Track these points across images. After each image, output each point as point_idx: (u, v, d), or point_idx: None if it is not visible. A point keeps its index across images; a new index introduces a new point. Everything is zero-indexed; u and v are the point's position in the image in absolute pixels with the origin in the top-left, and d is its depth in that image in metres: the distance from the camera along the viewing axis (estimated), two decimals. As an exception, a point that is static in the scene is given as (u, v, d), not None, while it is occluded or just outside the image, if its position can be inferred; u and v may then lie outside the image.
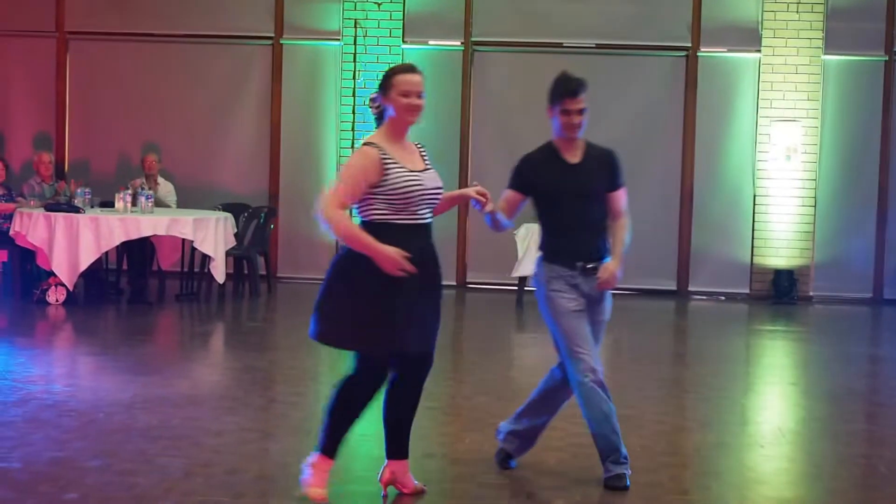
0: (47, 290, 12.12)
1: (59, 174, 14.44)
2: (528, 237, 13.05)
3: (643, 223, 14.46)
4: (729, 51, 14.61)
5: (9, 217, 12.55)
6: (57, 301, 12.07)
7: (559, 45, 14.69)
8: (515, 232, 13.19)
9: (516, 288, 13.32)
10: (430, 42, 14.78)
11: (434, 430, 7.26)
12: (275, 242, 14.66)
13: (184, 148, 15.01)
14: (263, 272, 13.80)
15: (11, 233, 12.25)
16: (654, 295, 14.45)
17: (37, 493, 5.69)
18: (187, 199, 14.04)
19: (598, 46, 14.66)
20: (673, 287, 14.66)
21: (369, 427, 6.29)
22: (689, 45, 14.58)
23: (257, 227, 13.50)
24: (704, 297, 14.47)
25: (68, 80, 15.25)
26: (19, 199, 13.12)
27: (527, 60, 14.82)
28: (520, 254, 13.07)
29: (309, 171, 14.83)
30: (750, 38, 14.52)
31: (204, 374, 9.27)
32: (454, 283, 14.67)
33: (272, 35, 14.97)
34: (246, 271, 13.50)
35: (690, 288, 14.65)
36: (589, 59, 14.65)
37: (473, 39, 14.75)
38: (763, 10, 14.41)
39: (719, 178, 14.65)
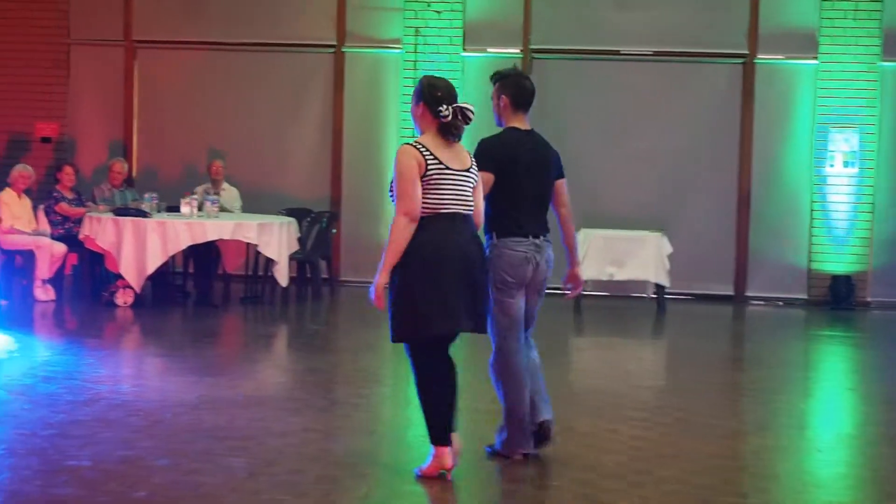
0: (115, 292, 12.21)
1: (129, 180, 14.57)
2: (586, 242, 13.00)
3: (700, 228, 14.47)
4: (786, 58, 14.48)
5: (79, 221, 12.68)
6: (125, 303, 12.17)
7: (616, 52, 14.63)
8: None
9: (574, 292, 13.25)
10: (489, 50, 14.76)
11: (493, 433, 7.24)
12: (337, 247, 14.69)
13: (248, 154, 15.10)
14: (326, 276, 13.84)
15: (81, 236, 12.37)
16: (712, 300, 14.34)
17: (106, 491, 5.73)
18: (251, 205, 14.11)
19: (656, 54, 14.58)
20: (730, 292, 14.54)
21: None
22: (747, 52, 14.46)
23: (320, 231, 13.56)
24: (762, 303, 14.34)
25: (136, 87, 15.39)
26: (89, 203, 13.25)
27: (584, 68, 14.78)
28: (578, 258, 13.00)
29: (370, 177, 14.85)
30: (807, 45, 14.38)
31: (268, 376, 9.31)
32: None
33: (334, 43, 15.02)
34: (308, 275, 13.56)
35: (748, 293, 14.53)
36: (646, 66, 14.60)
37: (532, 47, 14.72)
38: (821, 18, 14.27)
39: (776, 183, 14.53)
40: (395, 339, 5.98)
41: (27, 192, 13.02)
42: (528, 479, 6.25)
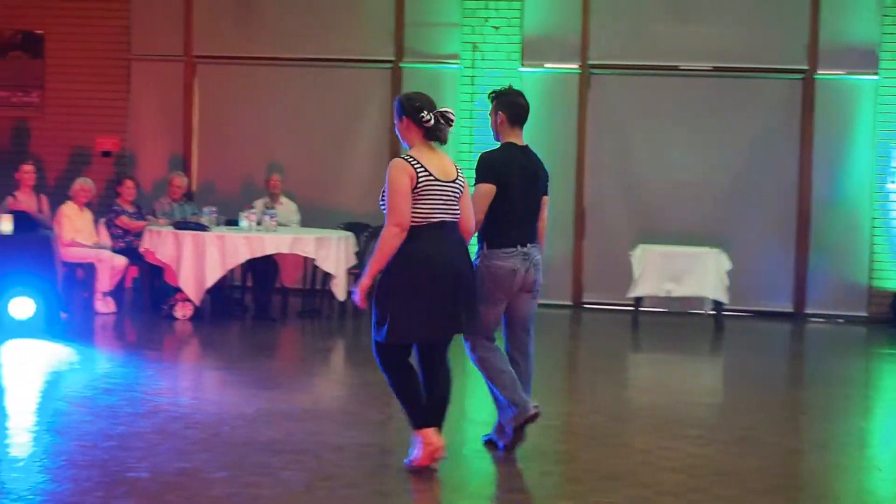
0: (175, 305, 12.30)
1: (188, 194, 14.68)
2: (644, 259, 12.96)
3: (759, 244, 14.37)
4: (847, 73, 14.37)
5: (139, 235, 12.80)
6: (184, 316, 12.26)
7: (675, 67, 14.57)
8: (632, 252, 13.12)
9: (632, 308, 13.21)
10: (547, 65, 14.76)
11: (550, 448, 7.24)
12: (393, 261, 14.69)
13: (306, 168, 15.19)
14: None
15: (141, 249, 12.47)
16: (771, 317, 14.23)
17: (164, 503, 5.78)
18: (309, 219, 14.18)
19: (715, 69, 14.50)
20: (790, 309, 14.42)
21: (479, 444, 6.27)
22: (806, 67, 14.35)
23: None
24: (821, 320, 14.20)
25: (195, 102, 15.52)
26: (149, 217, 13.37)
27: (643, 83, 14.73)
28: (636, 274, 12.97)
29: (427, 191, 14.87)
30: (868, 60, 14.25)
31: (325, 390, 9.35)
32: (569, 303, 14.62)
33: (392, 59, 15.08)
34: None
35: (807, 310, 14.41)
36: (705, 81, 14.54)
37: (590, 62, 14.69)
38: (882, 32, 14.14)
39: (837, 200, 14.39)
40: (390, 342, 6.31)
41: (88, 205, 13.15)
42: (584, 495, 6.22)
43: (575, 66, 14.69)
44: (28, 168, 12.70)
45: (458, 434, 7.51)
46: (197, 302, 12.12)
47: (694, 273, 12.94)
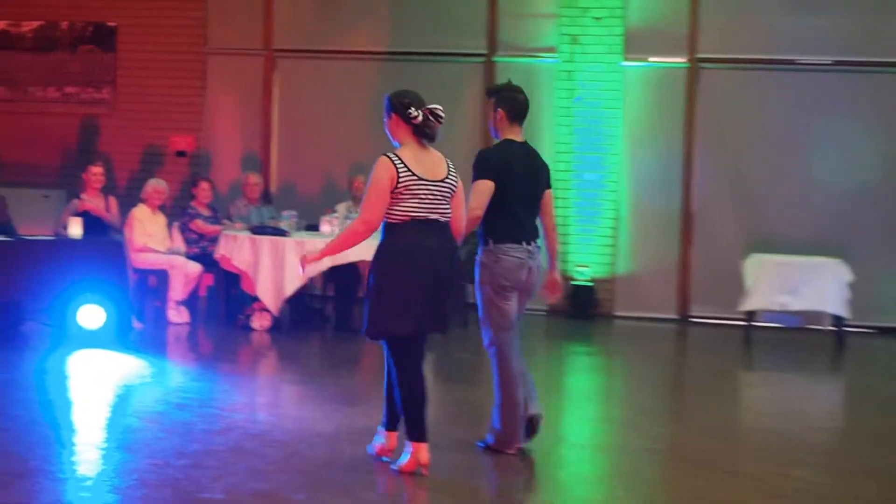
0: (251, 315, 12.39)
1: (266, 196, 14.80)
2: (756, 269, 12.82)
3: (884, 254, 14.15)
4: (982, 64, 14.14)
5: (214, 240, 12.90)
6: (261, 327, 12.35)
7: (791, 62, 14.40)
8: (744, 261, 12.99)
9: (744, 323, 13.07)
10: (652, 59, 14.67)
11: (656, 475, 7.18)
12: (485, 270, 14.69)
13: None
14: (471, 301, 13.84)
15: (216, 256, 12.57)
16: (896, 333, 14.03)
17: (240, 526, 5.82)
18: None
19: (836, 63, 14.32)
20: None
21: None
22: (937, 60, 14.15)
23: (469, 253, 13.56)
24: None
25: (275, 99, 15.65)
26: (225, 221, 13.47)
27: (756, 78, 14.58)
28: (748, 285, 12.84)
29: (522, 195, 14.87)
30: None
31: (411, 407, 9.33)
32: (675, 317, 14.51)
33: (485, 52, 15.08)
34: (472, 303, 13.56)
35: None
36: (824, 76, 14.35)
37: (699, 56, 14.58)
38: None
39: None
40: (369, 335, 6.82)
41: (161, 208, 13.27)
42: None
43: (682, 59, 14.59)
44: (96, 170, 12.84)
45: (554, 456, 7.48)
46: (275, 312, 12.20)
47: (812, 285, 12.78)
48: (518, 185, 7.36)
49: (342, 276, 13.06)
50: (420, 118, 6.82)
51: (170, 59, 15.70)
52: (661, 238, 14.53)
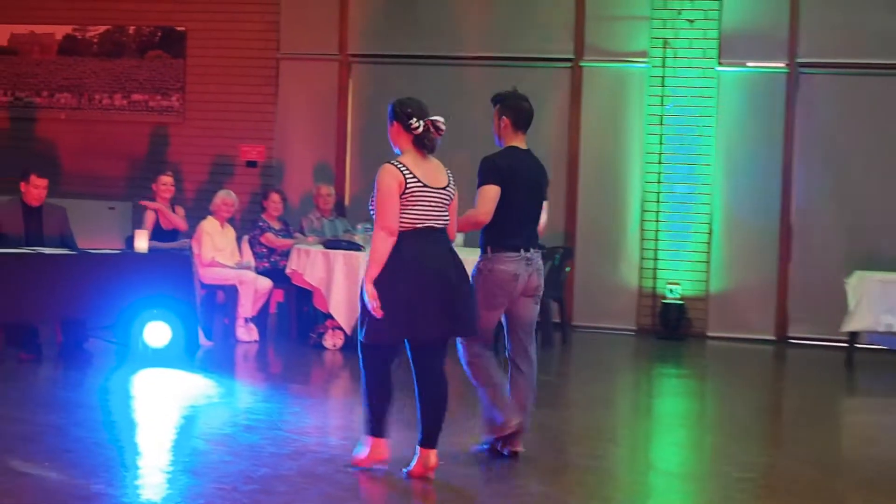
0: (324, 333, 12.43)
1: (340, 208, 14.88)
2: (860, 287, 12.70)
3: None
4: None
5: (286, 254, 12.98)
6: (334, 346, 12.40)
7: (899, 66, 14.31)
8: (847, 279, 12.87)
9: (846, 345, 12.95)
10: (749, 63, 14.59)
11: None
12: (570, 287, 14.69)
13: (474, 181, 15.15)
14: (557, 320, 13.86)
15: (288, 271, 12.64)
16: None
17: (311, 555, 5.86)
18: (475, 238, 14.20)
19: (947, 67, 14.20)
20: None
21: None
22: None
23: (551, 269, 13.56)
24: None
25: (350, 106, 15.72)
26: (297, 234, 13.55)
27: (860, 84, 14.45)
28: (851, 305, 12.72)
29: (610, 207, 14.84)
30: None
31: (490, 432, 9.34)
32: (772, 338, 14.41)
33: (571, 57, 15.07)
34: (538, 318, 13.55)
35: None
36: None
37: (799, 60, 14.49)
38: None
39: None
40: (368, 342, 7.18)
41: (230, 221, 13.38)
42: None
43: (781, 64, 14.50)
44: (166, 179, 12.88)
45: (643, 485, 7.46)
46: (349, 331, 12.23)
47: (920, 305, 12.64)
48: (522, 192, 7.78)
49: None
50: (420, 129, 7.25)
51: (241, 65, 15.83)
52: (758, 254, 14.43)
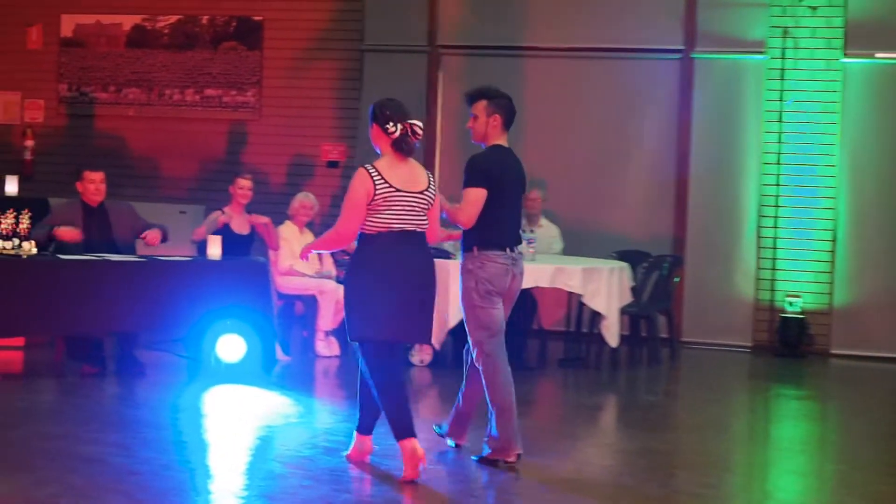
0: (410, 349, 12.46)
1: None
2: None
3: None
4: None
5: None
6: (421, 362, 12.43)
7: None
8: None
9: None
10: (878, 55, 14.46)
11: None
12: (679, 299, 14.63)
13: (572, 183, 15.21)
14: (665, 334, 13.80)
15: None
16: None
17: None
18: (574, 245, 14.22)
19: None
20: None
21: None
22: None
23: (659, 279, 13.52)
24: None
25: (439, 101, 15.75)
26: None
27: None
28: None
29: (723, 212, 14.77)
30: None
31: (591, 456, 9.32)
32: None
33: (681, 47, 15.01)
34: (644, 333, 13.53)
35: None
36: None
37: (934, 51, 14.38)
38: None
39: None
40: (352, 339, 7.77)
41: (310, 225, 13.42)
42: None
43: (913, 54, 14.38)
44: (245, 182, 12.82)
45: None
46: (437, 345, 12.26)
47: None
48: (509, 192, 8.25)
49: (515, 305, 13.06)
50: (398, 133, 7.66)
51: (322, 58, 15.94)
52: (888, 263, 14.29)
